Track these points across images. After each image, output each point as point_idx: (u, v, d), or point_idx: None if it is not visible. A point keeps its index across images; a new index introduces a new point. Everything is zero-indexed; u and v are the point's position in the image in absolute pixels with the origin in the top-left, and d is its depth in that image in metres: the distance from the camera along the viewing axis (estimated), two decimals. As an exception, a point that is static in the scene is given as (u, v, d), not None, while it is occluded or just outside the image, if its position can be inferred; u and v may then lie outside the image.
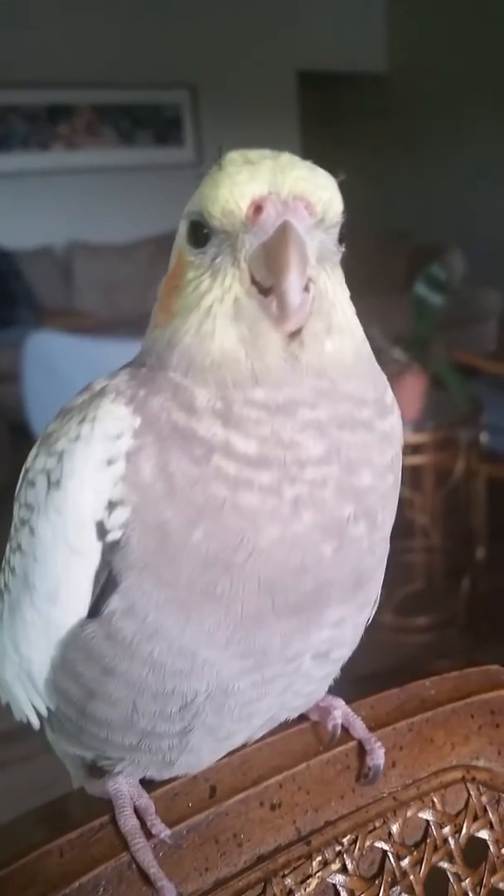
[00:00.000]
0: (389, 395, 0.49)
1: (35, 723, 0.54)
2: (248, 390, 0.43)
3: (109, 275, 4.96)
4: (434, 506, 2.84)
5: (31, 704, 0.53)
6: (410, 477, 2.70)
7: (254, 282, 0.42)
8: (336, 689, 0.58)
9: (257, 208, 0.42)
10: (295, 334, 0.42)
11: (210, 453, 0.43)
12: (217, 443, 0.43)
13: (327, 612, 0.47)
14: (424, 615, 2.77)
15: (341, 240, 0.46)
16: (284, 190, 0.42)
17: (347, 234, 0.46)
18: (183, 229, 0.46)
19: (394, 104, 5.95)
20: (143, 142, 5.39)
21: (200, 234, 0.44)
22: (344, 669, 0.56)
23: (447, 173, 5.67)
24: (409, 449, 2.63)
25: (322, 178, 0.44)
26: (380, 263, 4.79)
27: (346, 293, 0.46)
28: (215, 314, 0.43)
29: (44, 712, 0.53)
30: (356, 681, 0.62)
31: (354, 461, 0.45)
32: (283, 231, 0.41)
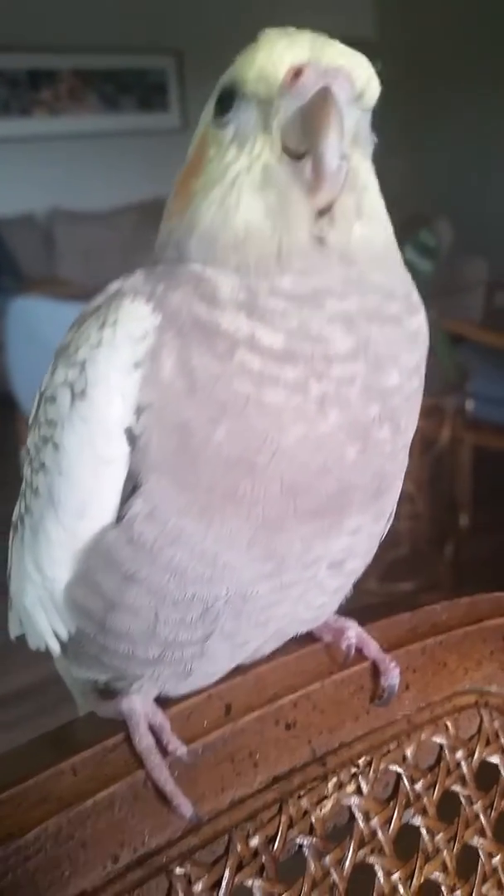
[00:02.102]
0: (416, 295, 0.47)
1: (55, 648, 0.52)
2: (275, 277, 0.41)
3: (92, 242, 4.89)
4: (419, 473, 2.84)
5: (51, 629, 0.52)
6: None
7: (286, 149, 0.41)
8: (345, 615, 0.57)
9: (296, 73, 0.40)
10: (325, 211, 0.40)
11: (234, 348, 0.41)
12: (241, 336, 0.41)
13: (347, 519, 0.46)
14: (409, 581, 2.79)
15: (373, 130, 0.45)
16: (325, 59, 0.41)
17: (379, 131, 0.45)
18: (209, 106, 0.44)
19: (382, 71, 5.89)
20: (127, 107, 5.29)
21: (229, 103, 0.43)
22: (350, 599, 0.55)
23: (435, 143, 5.63)
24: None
25: (363, 58, 0.42)
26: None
27: (377, 183, 0.45)
28: (241, 184, 0.41)
29: (64, 636, 0.51)
30: (363, 610, 0.61)
31: (383, 358, 0.43)
32: (324, 94, 0.40)
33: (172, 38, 5.19)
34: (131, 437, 0.43)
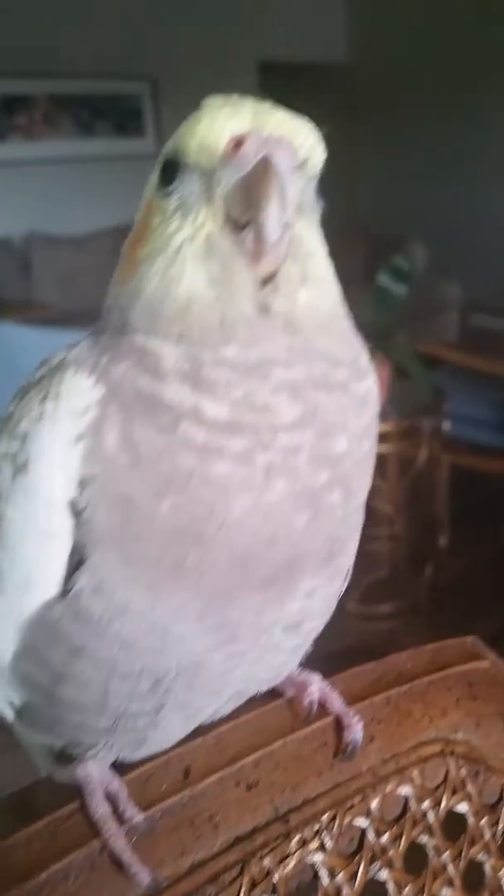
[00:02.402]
0: (365, 358, 0.47)
1: (9, 716, 0.51)
2: (219, 347, 0.40)
3: (68, 266, 4.89)
4: (398, 494, 2.85)
5: (4, 697, 0.51)
6: (374, 465, 2.70)
7: (229, 219, 0.40)
8: (310, 665, 0.56)
9: (237, 143, 0.40)
10: (268, 279, 0.40)
11: (177, 420, 0.40)
12: (185, 408, 0.40)
13: (299, 584, 0.45)
14: (388, 603, 2.79)
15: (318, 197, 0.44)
16: (267, 129, 0.40)
17: (323, 197, 0.45)
18: (153, 177, 0.44)
19: (355, 96, 5.95)
20: (102, 133, 5.31)
21: (172, 173, 0.42)
22: (317, 645, 0.55)
23: (408, 166, 5.69)
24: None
25: (306, 124, 0.42)
26: (341, 254, 4.77)
27: (324, 248, 0.45)
28: (185, 254, 0.41)
29: (17, 703, 0.50)
30: (330, 657, 0.61)
31: (330, 425, 0.42)
32: (265, 164, 0.39)
33: (147, 63, 5.22)
34: (75, 511, 0.42)
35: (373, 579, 2.77)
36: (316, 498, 0.43)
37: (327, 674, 0.58)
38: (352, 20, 6.00)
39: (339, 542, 0.47)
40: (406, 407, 2.78)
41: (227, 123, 0.40)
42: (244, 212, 0.39)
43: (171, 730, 0.49)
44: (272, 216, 0.38)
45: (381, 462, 2.77)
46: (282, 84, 5.95)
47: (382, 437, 2.70)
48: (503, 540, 3.22)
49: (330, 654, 0.61)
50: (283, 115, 0.41)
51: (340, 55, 6.07)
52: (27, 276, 4.93)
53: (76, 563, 0.43)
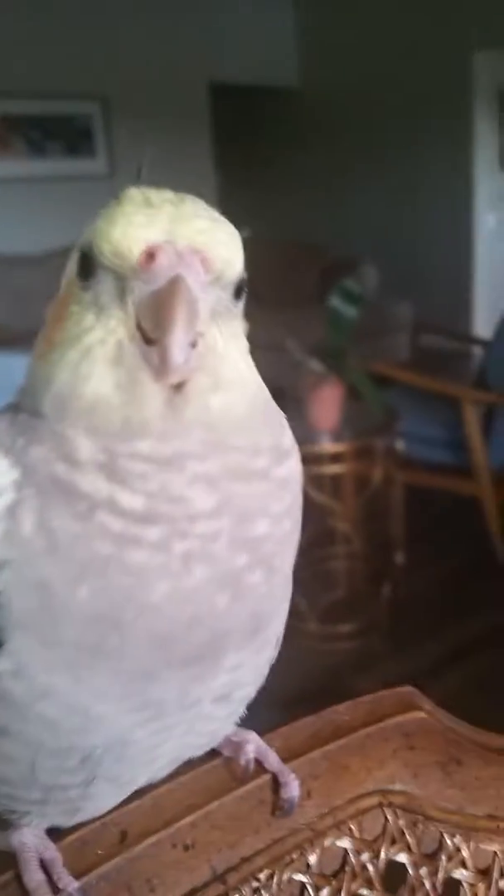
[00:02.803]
0: (288, 438, 0.47)
1: None
2: (133, 442, 0.40)
3: (22, 286, 4.85)
4: (354, 513, 2.87)
5: None
6: (331, 485, 2.73)
7: (140, 330, 0.40)
8: (251, 714, 0.57)
9: (150, 256, 0.39)
10: (178, 387, 0.40)
11: (93, 509, 0.40)
12: (100, 498, 0.40)
13: (223, 660, 0.45)
14: (347, 622, 2.80)
15: (238, 293, 0.43)
16: (182, 240, 0.40)
17: (250, 283, 0.44)
18: (74, 258, 0.43)
19: (307, 118, 6.03)
20: (54, 153, 5.30)
21: (90, 266, 0.42)
22: (261, 693, 0.55)
23: (359, 188, 5.77)
24: (328, 458, 2.66)
25: (224, 234, 0.41)
26: (294, 276, 4.84)
27: (242, 346, 0.44)
28: (95, 356, 0.40)
29: None
30: (270, 706, 0.61)
31: (248, 512, 0.43)
32: (174, 285, 0.38)
33: (98, 83, 5.23)
34: None
35: (332, 599, 2.78)
36: (236, 579, 0.43)
37: (266, 726, 0.58)
38: (304, 43, 6.08)
39: (265, 617, 0.47)
40: (359, 427, 2.81)
41: (142, 232, 0.39)
42: (152, 330, 0.39)
43: (104, 799, 0.49)
44: (177, 340, 0.38)
45: (337, 482, 2.80)
46: (233, 106, 6.06)
47: (337, 458, 2.73)
48: (459, 556, 3.27)
49: (271, 703, 0.61)
50: (201, 223, 0.41)
51: (292, 78, 6.14)
52: (-21, 296, 4.88)
53: None
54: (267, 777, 0.55)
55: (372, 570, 2.97)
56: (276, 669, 0.54)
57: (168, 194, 0.42)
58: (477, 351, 4.54)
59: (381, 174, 5.65)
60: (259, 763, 0.55)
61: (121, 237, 0.40)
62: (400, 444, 3.01)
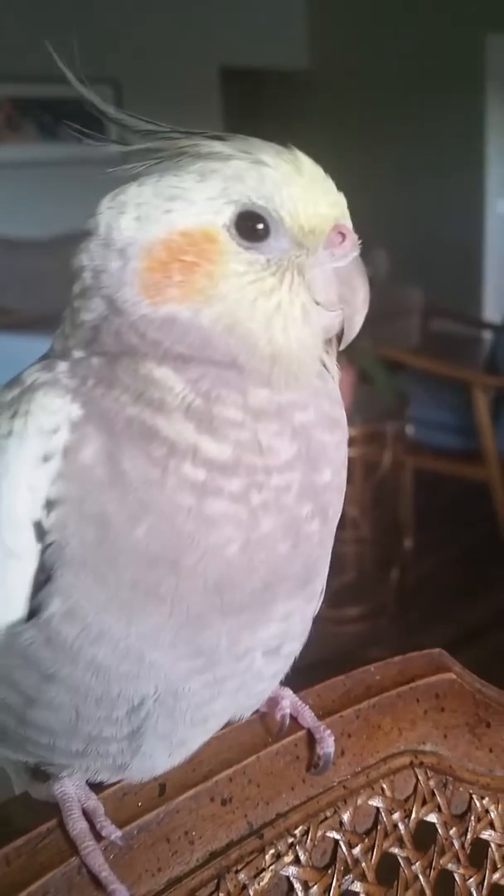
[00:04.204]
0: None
1: None
2: (254, 389, 0.43)
3: (32, 270, 4.85)
4: (363, 498, 2.88)
5: None
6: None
7: (315, 296, 0.45)
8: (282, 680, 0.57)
9: (342, 232, 0.45)
10: (329, 341, 0.46)
11: (173, 455, 0.41)
12: (184, 445, 0.41)
13: (275, 608, 0.46)
14: (356, 606, 2.82)
15: None
16: (345, 220, 0.46)
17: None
18: (224, 214, 0.43)
19: (316, 101, 6.00)
20: (65, 136, 5.28)
21: (258, 228, 0.43)
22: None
23: (369, 172, 5.74)
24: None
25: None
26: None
27: None
28: (286, 314, 0.44)
29: None
30: (301, 670, 0.62)
31: (318, 460, 0.45)
32: (358, 268, 0.45)
33: (110, 67, 5.21)
34: (40, 532, 0.42)
35: (340, 583, 2.80)
36: (298, 528, 0.44)
37: (298, 688, 0.59)
38: (314, 26, 6.04)
39: (316, 567, 0.48)
40: (370, 411, 2.81)
41: (331, 212, 0.45)
42: (339, 304, 0.45)
43: (153, 759, 0.49)
44: (363, 315, 0.45)
45: (347, 466, 2.78)
46: (244, 89, 6.02)
47: (348, 442, 2.71)
48: (468, 540, 3.28)
49: (301, 668, 0.62)
50: (342, 197, 0.46)
51: (301, 61, 6.11)
52: (-10, 280, 4.88)
53: (42, 584, 0.43)
54: (302, 733, 0.56)
55: (381, 555, 2.98)
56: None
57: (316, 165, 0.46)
58: (487, 335, 4.54)
59: (391, 158, 5.62)
60: (294, 719, 0.56)
61: (316, 216, 0.44)
62: (410, 429, 3.01)
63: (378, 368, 2.85)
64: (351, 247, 0.45)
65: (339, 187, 0.46)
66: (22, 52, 4.85)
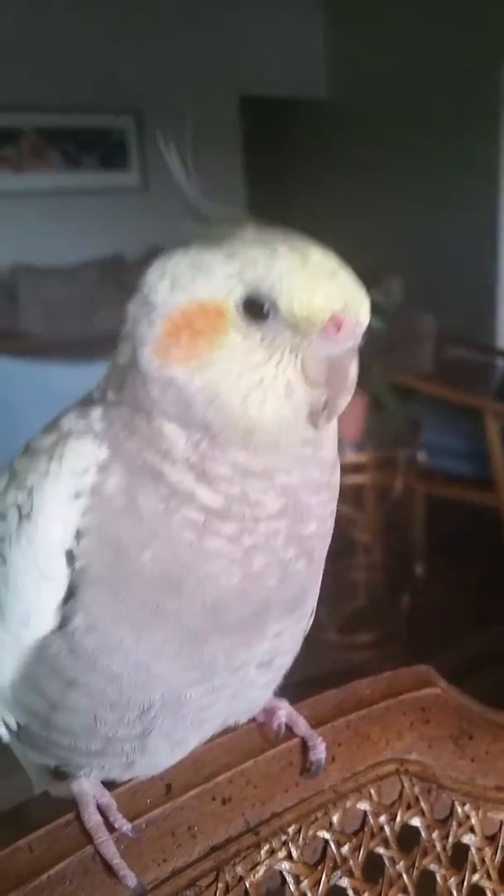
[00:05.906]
0: (336, 452, 0.54)
1: (5, 736, 0.58)
2: (237, 451, 0.47)
3: (55, 297, 4.96)
4: (374, 524, 2.91)
5: (2, 720, 0.57)
6: (352, 496, 2.77)
7: (305, 375, 0.47)
8: (280, 692, 0.63)
9: (336, 326, 0.46)
10: (316, 415, 0.48)
11: (174, 497, 0.47)
12: (184, 491, 0.47)
13: (267, 628, 0.52)
14: (367, 632, 2.83)
15: None
16: (353, 314, 0.47)
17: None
18: (235, 293, 0.47)
19: (336, 130, 6.09)
20: (88, 165, 5.42)
21: (257, 309, 0.47)
22: (288, 676, 0.62)
23: (385, 200, 5.83)
24: (350, 468, 2.66)
25: (368, 302, 0.48)
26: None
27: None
28: (268, 388, 0.47)
29: (13, 727, 0.57)
30: (298, 685, 0.67)
31: (304, 514, 0.50)
32: (350, 359, 0.48)
33: (131, 97, 5.34)
34: (70, 558, 0.49)
35: (351, 609, 2.82)
36: (285, 567, 0.50)
37: (294, 700, 0.64)
38: (333, 56, 6.14)
39: (303, 594, 0.54)
40: (382, 438, 2.85)
41: (329, 304, 0.46)
42: (324, 389, 0.47)
43: (157, 756, 0.56)
44: (347, 402, 0.48)
45: (358, 492, 2.83)
46: (264, 119, 6.13)
47: (359, 468, 2.77)
48: (479, 567, 3.29)
49: (297, 683, 0.68)
50: (361, 294, 0.47)
51: (321, 90, 6.21)
52: (13, 306, 5.00)
53: (66, 599, 0.50)
54: (296, 741, 0.62)
55: (391, 581, 3.01)
56: (295, 673, 0.61)
57: (334, 259, 0.48)
58: (500, 362, 4.58)
59: (407, 186, 5.69)
60: (289, 728, 0.62)
61: (311, 307, 0.46)
62: (422, 456, 3.04)
63: (390, 395, 2.88)
64: (346, 337, 0.47)
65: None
66: (47, 83, 5.01)
